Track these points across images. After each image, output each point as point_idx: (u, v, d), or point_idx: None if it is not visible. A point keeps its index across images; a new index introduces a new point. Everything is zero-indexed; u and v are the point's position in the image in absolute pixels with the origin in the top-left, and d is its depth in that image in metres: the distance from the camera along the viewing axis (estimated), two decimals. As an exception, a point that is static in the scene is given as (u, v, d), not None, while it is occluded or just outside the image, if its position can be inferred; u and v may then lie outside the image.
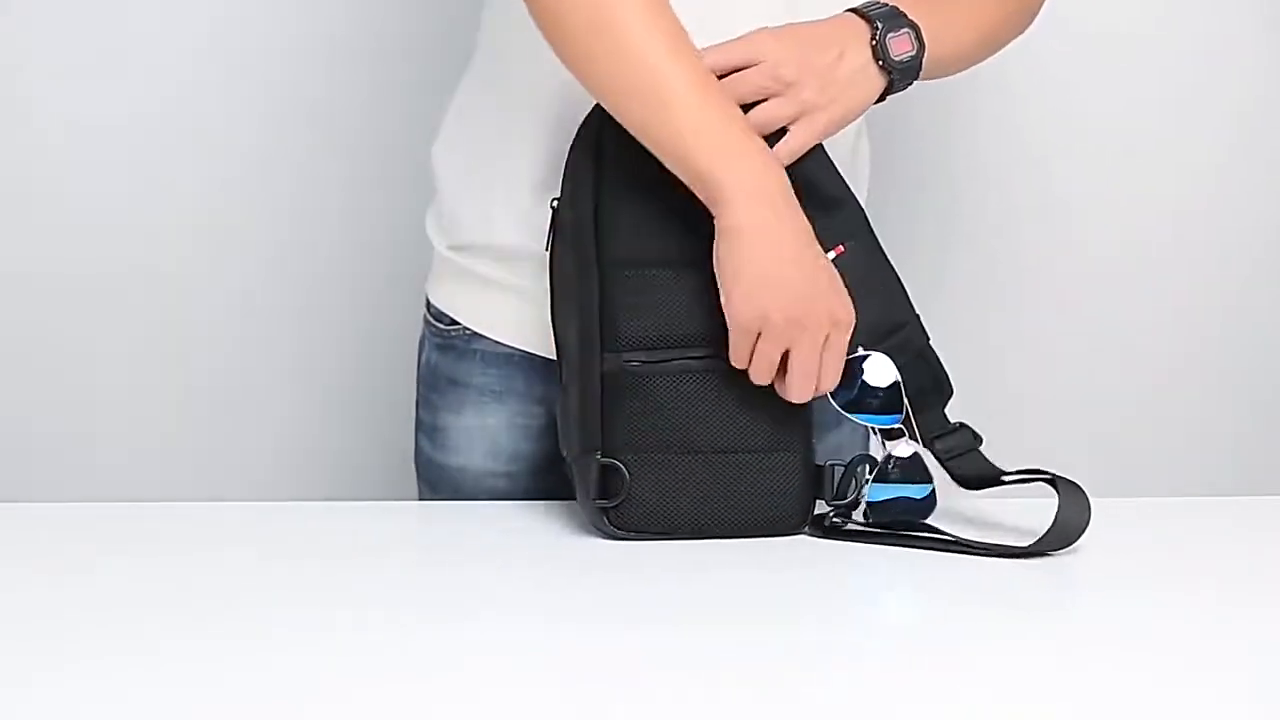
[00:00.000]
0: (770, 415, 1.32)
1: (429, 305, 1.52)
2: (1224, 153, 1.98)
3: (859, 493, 1.32)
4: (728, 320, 1.28)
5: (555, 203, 1.36)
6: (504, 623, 1.14)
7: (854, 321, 1.29)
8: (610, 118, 1.30)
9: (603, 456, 1.31)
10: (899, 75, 1.35)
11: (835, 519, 1.33)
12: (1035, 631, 1.17)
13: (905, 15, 1.35)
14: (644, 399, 1.31)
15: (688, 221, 1.29)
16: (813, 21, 1.34)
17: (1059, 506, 1.28)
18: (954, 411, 1.35)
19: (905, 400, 1.32)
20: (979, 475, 1.34)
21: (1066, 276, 1.99)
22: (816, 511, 1.34)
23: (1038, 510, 1.29)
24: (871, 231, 1.37)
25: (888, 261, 1.36)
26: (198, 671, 1.03)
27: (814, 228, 1.30)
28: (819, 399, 1.31)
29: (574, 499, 1.36)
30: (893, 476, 1.32)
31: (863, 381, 1.31)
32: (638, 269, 1.32)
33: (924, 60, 1.35)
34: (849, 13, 1.36)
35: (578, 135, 1.34)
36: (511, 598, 1.20)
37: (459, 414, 1.49)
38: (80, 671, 1.02)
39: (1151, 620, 1.17)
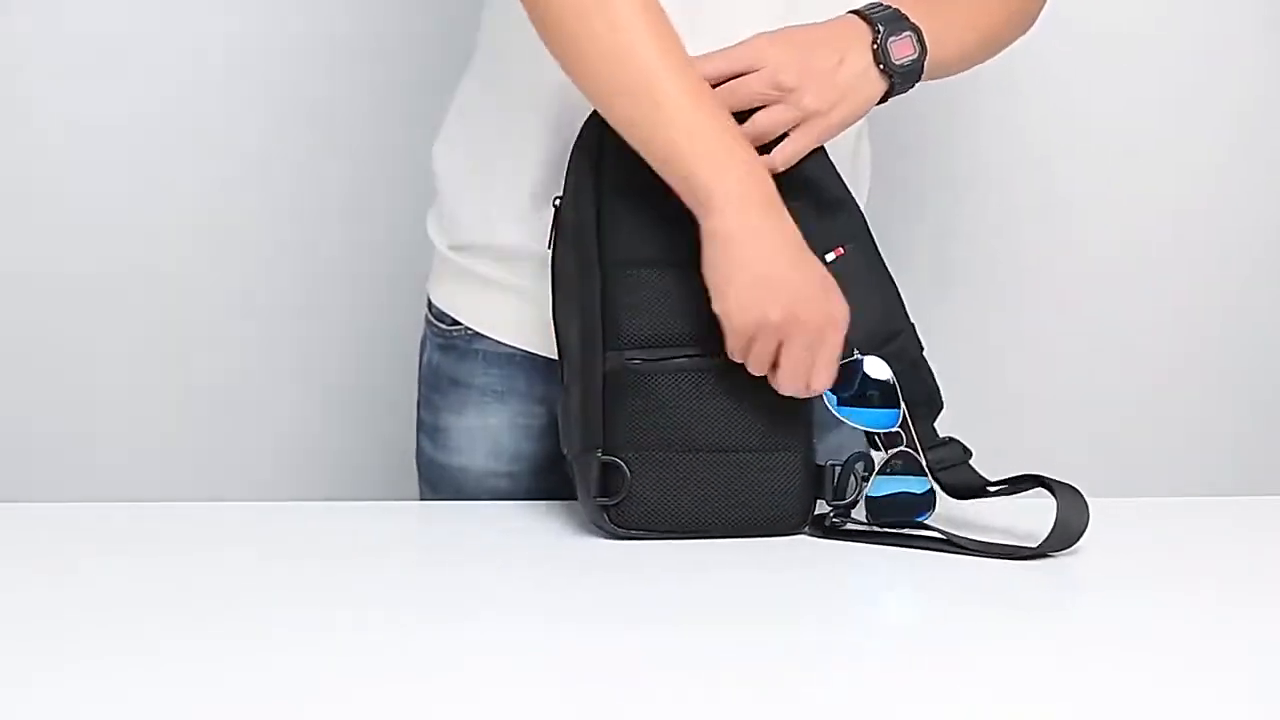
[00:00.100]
0: (771, 415, 1.32)
1: (430, 305, 1.52)
2: (1224, 153, 1.98)
3: (859, 492, 1.32)
4: (723, 324, 1.28)
5: (558, 201, 1.36)
6: (504, 623, 1.14)
7: (848, 320, 1.29)
8: (611, 119, 1.31)
9: (604, 454, 1.31)
10: (900, 79, 1.34)
11: (835, 519, 1.34)
12: (1035, 631, 1.17)
13: (907, 18, 1.35)
14: (645, 397, 1.31)
15: (689, 221, 1.29)
16: (813, 24, 1.34)
17: (1058, 508, 1.28)
18: (955, 411, 1.35)
19: (902, 402, 1.32)
20: (968, 485, 1.33)
21: (1066, 276, 1.99)
22: (817, 512, 1.34)
23: (1037, 511, 1.29)
24: (870, 236, 1.36)
25: (885, 268, 1.36)
26: (198, 671, 1.03)
27: (814, 229, 1.30)
28: (819, 399, 1.31)
29: (575, 499, 1.36)
30: (894, 470, 1.32)
31: (864, 374, 1.31)
32: (639, 268, 1.32)
33: (925, 63, 1.35)
34: (850, 15, 1.35)
35: (580, 136, 1.34)
36: (511, 598, 1.20)
37: (460, 414, 1.49)
38: (80, 671, 1.02)
39: (1151, 620, 1.17)
